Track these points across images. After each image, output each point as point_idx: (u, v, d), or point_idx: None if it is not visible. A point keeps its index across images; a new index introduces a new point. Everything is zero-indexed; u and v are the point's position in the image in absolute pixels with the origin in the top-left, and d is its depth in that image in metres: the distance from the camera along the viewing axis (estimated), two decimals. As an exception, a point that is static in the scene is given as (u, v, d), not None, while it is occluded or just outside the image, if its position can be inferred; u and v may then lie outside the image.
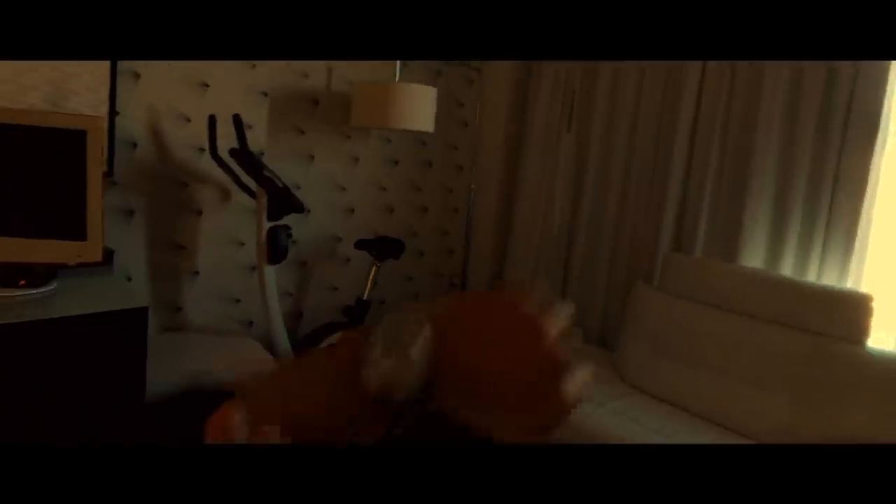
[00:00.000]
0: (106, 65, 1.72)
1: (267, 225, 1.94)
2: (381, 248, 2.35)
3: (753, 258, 2.11)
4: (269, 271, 1.97)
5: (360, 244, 2.36)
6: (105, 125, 1.74)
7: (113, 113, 1.78)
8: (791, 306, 1.86)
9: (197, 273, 2.09)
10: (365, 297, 2.33)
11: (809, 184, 1.99)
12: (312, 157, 2.34)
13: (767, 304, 1.90)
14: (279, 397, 0.32)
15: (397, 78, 2.36)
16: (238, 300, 2.19)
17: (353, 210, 2.51)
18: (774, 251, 2.08)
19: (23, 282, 1.29)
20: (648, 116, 2.38)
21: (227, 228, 2.14)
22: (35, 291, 1.30)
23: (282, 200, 1.93)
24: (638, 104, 2.41)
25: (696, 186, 2.25)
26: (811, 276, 1.99)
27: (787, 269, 2.04)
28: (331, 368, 0.33)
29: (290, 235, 2.01)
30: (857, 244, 1.91)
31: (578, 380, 0.32)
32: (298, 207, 1.98)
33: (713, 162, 2.19)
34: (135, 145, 1.87)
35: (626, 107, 2.44)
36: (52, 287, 1.34)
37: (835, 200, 1.94)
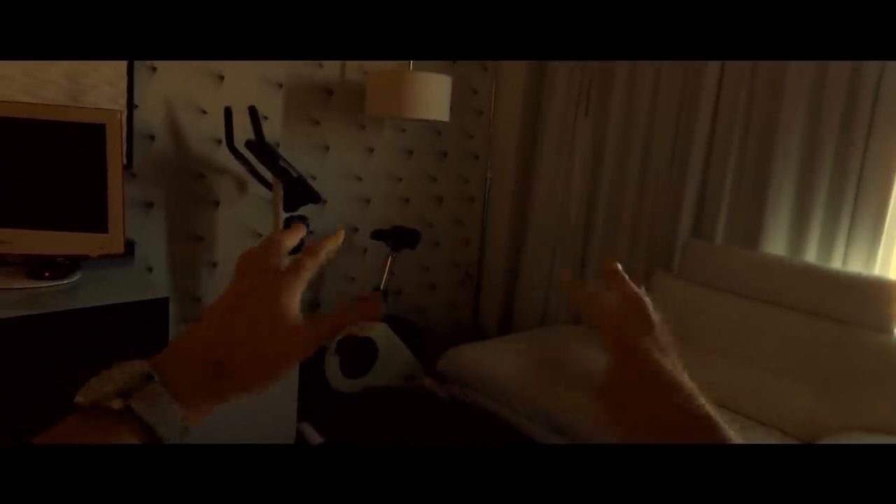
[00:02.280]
0: (123, 58, 1.74)
1: (283, 216, 1.95)
2: (397, 238, 2.36)
3: (775, 245, 2.07)
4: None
5: (376, 234, 2.36)
6: (123, 118, 1.75)
7: (131, 106, 1.79)
8: (815, 293, 1.82)
9: (215, 264, 2.11)
10: (382, 286, 2.34)
11: (835, 168, 1.94)
12: (327, 148, 2.34)
13: (790, 292, 1.86)
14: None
15: (411, 67, 2.34)
16: (256, 291, 2.21)
17: (368, 200, 2.51)
18: (798, 238, 2.04)
19: (47, 274, 1.31)
20: (668, 101, 2.33)
21: (245, 220, 2.15)
22: (60, 283, 1.32)
23: (298, 191, 1.94)
24: (657, 89, 2.37)
25: (716, 172, 2.21)
26: (836, 263, 1.95)
27: (810, 255, 2.00)
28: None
29: (307, 226, 2.01)
30: (886, 230, 1.86)
31: None
32: (315, 197, 1.98)
33: (735, 146, 2.15)
34: (153, 138, 1.89)
35: (645, 92, 2.39)
36: (75, 278, 1.36)
37: (862, 185, 1.89)
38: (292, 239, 0.43)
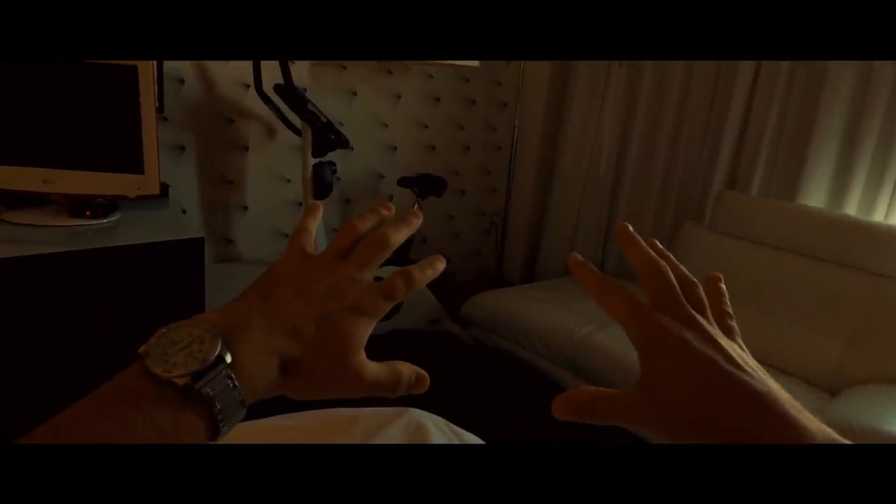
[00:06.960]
0: None
1: (312, 161, 1.96)
2: (424, 185, 2.35)
3: (815, 198, 2.00)
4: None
5: (403, 181, 2.36)
6: (153, 60, 1.76)
7: (160, 48, 1.80)
8: (853, 246, 1.77)
9: (246, 208, 2.16)
10: (408, 234, 2.36)
11: (886, 117, 1.84)
12: (354, 94, 2.32)
13: (826, 244, 1.82)
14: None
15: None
16: (286, 235, 2.26)
17: (395, 148, 2.50)
18: (839, 191, 1.96)
19: (88, 213, 1.36)
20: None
21: (274, 165, 2.18)
22: (101, 221, 1.37)
23: (326, 136, 1.94)
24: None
25: (757, 120, 2.12)
26: (879, 217, 1.88)
27: (851, 209, 1.93)
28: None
29: (334, 171, 2.03)
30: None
31: None
32: (343, 143, 1.98)
33: (779, 92, 2.05)
34: (182, 82, 1.90)
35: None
36: (114, 218, 1.41)
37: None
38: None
